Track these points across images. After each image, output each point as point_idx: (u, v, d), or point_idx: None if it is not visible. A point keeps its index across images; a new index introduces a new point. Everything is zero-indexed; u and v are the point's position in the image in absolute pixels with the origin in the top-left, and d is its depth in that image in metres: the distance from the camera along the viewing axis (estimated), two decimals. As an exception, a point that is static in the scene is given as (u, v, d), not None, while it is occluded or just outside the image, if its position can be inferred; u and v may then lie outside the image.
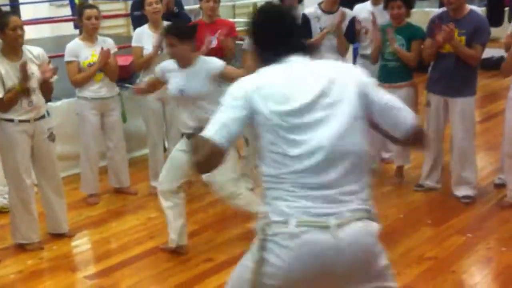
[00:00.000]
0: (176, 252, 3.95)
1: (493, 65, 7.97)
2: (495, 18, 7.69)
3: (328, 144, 2.03)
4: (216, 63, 3.85)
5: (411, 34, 4.71)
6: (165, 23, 4.84)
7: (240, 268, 2.24)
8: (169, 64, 3.87)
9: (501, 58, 4.46)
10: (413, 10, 4.92)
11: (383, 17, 4.95)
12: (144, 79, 4.91)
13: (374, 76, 5.24)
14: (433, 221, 4.32)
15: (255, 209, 2.70)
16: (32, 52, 4.03)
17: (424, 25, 4.74)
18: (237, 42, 5.39)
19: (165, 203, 3.86)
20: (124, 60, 5.89)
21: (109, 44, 4.74)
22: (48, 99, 4.23)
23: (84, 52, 4.63)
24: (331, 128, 2.04)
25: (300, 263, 1.98)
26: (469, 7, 4.50)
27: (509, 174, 4.50)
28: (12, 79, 3.86)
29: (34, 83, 3.95)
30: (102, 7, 10.82)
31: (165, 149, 5.20)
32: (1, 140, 3.96)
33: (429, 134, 4.72)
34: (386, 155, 5.46)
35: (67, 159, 5.29)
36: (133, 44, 4.90)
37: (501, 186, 4.74)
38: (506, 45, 4.52)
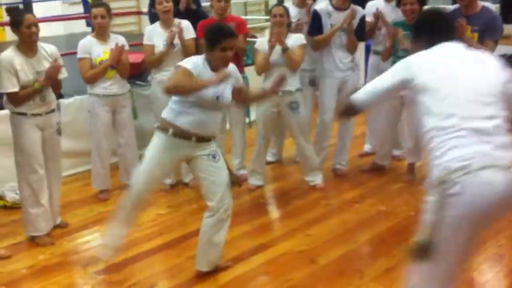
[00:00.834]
0: (187, 249, 3.96)
1: (506, 62, 7.89)
2: (509, 15, 7.62)
3: None
4: (240, 77, 3.70)
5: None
6: (178, 20, 4.86)
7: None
8: (198, 62, 3.48)
9: (514, 56, 4.43)
10: (426, 7, 4.89)
11: (396, 14, 4.92)
12: (155, 76, 4.94)
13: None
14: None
15: None
16: (46, 49, 4.10)
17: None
18: (248, 39, 5.40)
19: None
20: (135, 58, 5.91)
21: (121, 41, 4.75)
22: (57, 95, 4.27)
23: (96, 49, 4.65)
24: None
25: (482, 198, 2.32)
26: (481, 3, 4.47)
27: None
28: (26, 75, 3.94)
29: None
30: (114, 4, 10.89)
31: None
32: (15, 133, 4.05)
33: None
34: (397, 152, 5.44)
35: (79, 155, 5.34)
36: (145, 42, 4.91)
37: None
38: None
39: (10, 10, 3.99)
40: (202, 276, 3.65)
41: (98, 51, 4.65)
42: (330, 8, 4.96)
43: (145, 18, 9.80)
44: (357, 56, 5.19)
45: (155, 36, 4.85)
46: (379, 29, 5.20)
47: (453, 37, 2.75)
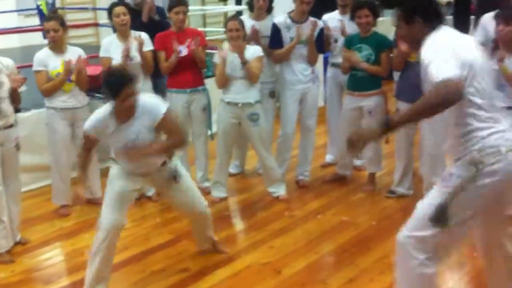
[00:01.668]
0: (151, 263, 3.94)
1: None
2: (462, 26, 7.84)
3: None
4: (158, 110, 3.46)
5: (378, 43, 4.79)
6: (138, 33, 4.84)
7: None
8: (100, 118, 3.48)
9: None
10: (382, 19, 5.01)
11: (351, 27, 5.03)
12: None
13: (344, 85, 5.38)
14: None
15: None
16: (2, 62, 4.03)
17: (392, 34, 4.82)
18: (208, 51, 5.41)
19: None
20: (93, 70, 5.85)
21: (79, 53, 4.70)
22: (16, 109, 4.20)
23: (52, 62, 4.58)
24: None
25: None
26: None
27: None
28: None
29: (3, 93, 3.96)
30: (71, 16, 10.83)
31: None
32: None
33: (399, 141, 4.81)
34: (358, 162, 5.52)
35: (38, 170, 5.23)
36: (101, 54, 4.87)
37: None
38: None
39: None
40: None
41: (55, 63, 4.58)
42: (289, 21, 5.01)
43: (103, 30, 9.74)
44: (316, 68, 5.26)
45: (112, 48, 4.81)
46: (335, 41, 5.29)
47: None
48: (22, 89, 4.14)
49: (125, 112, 3.37)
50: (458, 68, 2.54)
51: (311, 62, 5.11)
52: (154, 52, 4.89)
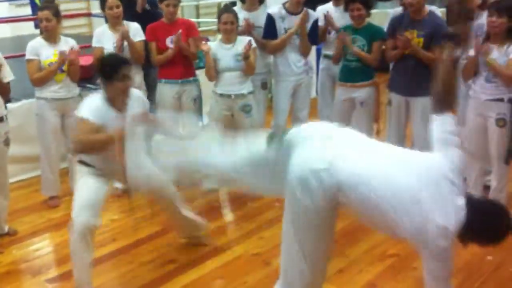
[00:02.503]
0: (139, 255, 3.93)
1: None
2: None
3: None
4: (145, 101, 3.59)
5: (372, 34, 4.77)
6: (129, 23, 4.81)
7: None
8: (98, 105, 3.44)
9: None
10: (375, 11, 4.98)
11: (344, 18, 5.00)
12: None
13: (336, 76, 5.35)
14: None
15: None
16: None
17: (385, 25, 4.80)
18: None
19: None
20: (86, 60, 5.82)
21: (72, 44, 4.67)
22: (6, 100, 4.16)
23: (45, 51, 4.55)
24: None
25: None
26: (428, 8, 4.57)
27: (468, 171, 4.58)
28: None
29: None
30: (64, 6, 10.74)
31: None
32: None
33: (390, 134, 4.80)
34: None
35: (27, 161, 5.20)
36: (94, 44, 4.85)
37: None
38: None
39: None
40: (155, 281, 3.62)
41: (47, 53, 4.55)
42: (284, 12, 4.99)
43: (96, 20, 9.68)
44: (309, 60, 5.23)
45: (105, 38, 4.79)
46: (329, 33, 5.27)
47: None
48: (10, 78, 4.11)
49: (121, 98, 3.32)
50: None
51: (304, 53, 5.08)
52: (145, 42, 4.87)
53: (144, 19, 4.98)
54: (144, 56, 4.91)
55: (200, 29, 7.20)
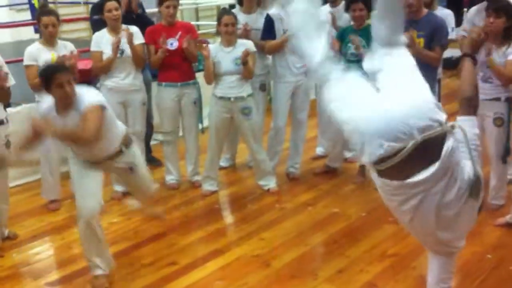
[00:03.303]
0: (140, 257, 3.94)
1: (453, 64, 8.09)
2: (455, 20, 7.82)
3: None
4: (84, 107, 3.38)
5: (371, 36, 4.75)
6: (129, 27, 4.82)
7: None
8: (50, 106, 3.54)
9: (460, 58, 4.54)
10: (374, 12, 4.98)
11: (342, 19, 5.03)
12: (105, 83, 4.88)
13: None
14: (394, 218, 4.35)
15: None
16: None
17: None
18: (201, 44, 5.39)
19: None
20: (85, 64, 5.83)
21: (70, 48, 4.67)
22: (6, 104, 4.17)
23: (43, 56, 4.53)
24: None
25: None
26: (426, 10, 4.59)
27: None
28: None
29: None
30: (63, 10, 10.78)
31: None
32: None
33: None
34: (348, 154, 5.52)
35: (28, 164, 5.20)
36: (92, 48, 4.86)
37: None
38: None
39: None
40: (156, 284, 3.64)
41: (46, 57, 4.53)
42: (282, 13, 4.99)
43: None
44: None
45: (104, 42, 4.80)
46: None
47: None
48: (11, 82, 4.12)
49: (61, 103, 3.38)
50: None
51: (303, 55, 5.09)
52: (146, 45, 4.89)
53: (133, 23, 4.97)
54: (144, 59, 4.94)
55: (199, 32, 7.21)
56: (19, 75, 4.50)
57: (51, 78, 3.31)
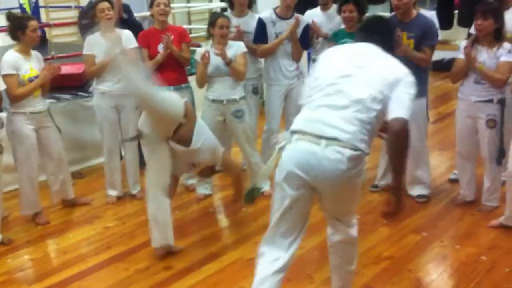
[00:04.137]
0: (135, 262, 3.94)
1: (444, 67, 8.16)
2: (445, 21, 7.88)
3: None
4: None
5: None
6: (121, 31, 4.80)
7: None
8: None
9: (452, 60, 4.57)
10: (367, 14, 5.00)
11: (332, 23, 5.06)
12: (97, 87, 4.87)
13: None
14: (389, 221, 4.39)
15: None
16: None
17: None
18: (193, 48, 5.39)
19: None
20: (77, 68, 5.83)
21: (40, 58, 4.63)
22: (-2, 110, 4.15)
23: (23, 66, 4.42)
24: None
25: None
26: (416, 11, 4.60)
27: (461, 173, 4.63)
28: None
29: None
30: (54, 15, 10.76)
31: (121, 157, 5.14)
32: None
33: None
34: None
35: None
36: (85, 52, 4.83)
37: (455, 181, 4.89)
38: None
39: None
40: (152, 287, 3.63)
41: (26, 67, 4.42)
42: (274, 16, 5.01)
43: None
44: (301, 65, 5.25)
45: (96, 46, 4.78)
46: (316, 37, 5.29)
47: None
48: (2, 87, 4.10)
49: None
50: None
51: (296, 58, 5.11)
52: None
53: (124, 27, 4.96)
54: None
55: (191, 35, 7.21)
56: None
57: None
